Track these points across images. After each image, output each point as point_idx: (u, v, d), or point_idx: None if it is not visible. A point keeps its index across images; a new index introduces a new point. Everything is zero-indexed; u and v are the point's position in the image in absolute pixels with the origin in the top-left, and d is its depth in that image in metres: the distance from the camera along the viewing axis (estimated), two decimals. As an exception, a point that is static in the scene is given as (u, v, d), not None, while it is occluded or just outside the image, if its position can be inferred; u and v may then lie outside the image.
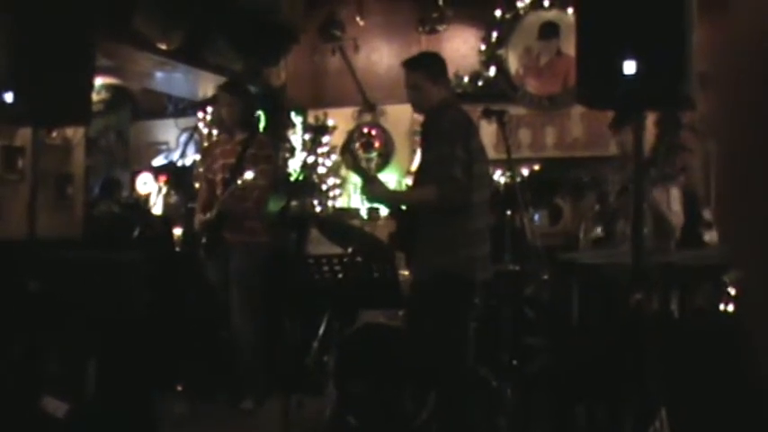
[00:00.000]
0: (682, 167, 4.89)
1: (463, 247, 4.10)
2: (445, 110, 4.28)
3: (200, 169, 5.99)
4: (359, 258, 4.05)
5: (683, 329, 3.98)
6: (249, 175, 5.31)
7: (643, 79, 3.21)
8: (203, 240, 5.67)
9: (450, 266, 4.10)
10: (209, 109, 7.75)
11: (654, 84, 3.26)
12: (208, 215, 5.61)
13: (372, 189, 4.42)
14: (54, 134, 5.77)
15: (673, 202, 4.73)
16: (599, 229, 5.05)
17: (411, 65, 4.42)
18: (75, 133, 5.93)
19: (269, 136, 6.59)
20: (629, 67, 3.18)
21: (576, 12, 4.08)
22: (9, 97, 4.47)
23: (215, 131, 7.51)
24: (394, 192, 4.36)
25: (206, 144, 7.51)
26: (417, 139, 6.22)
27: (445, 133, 4.10)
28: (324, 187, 8.30)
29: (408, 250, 4.36)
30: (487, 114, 4.81)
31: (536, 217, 7.16)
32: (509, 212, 5.40)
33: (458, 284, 4.12)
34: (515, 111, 7.48)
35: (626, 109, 4.07)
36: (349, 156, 7.91)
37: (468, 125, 4.24)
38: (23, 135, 5.38)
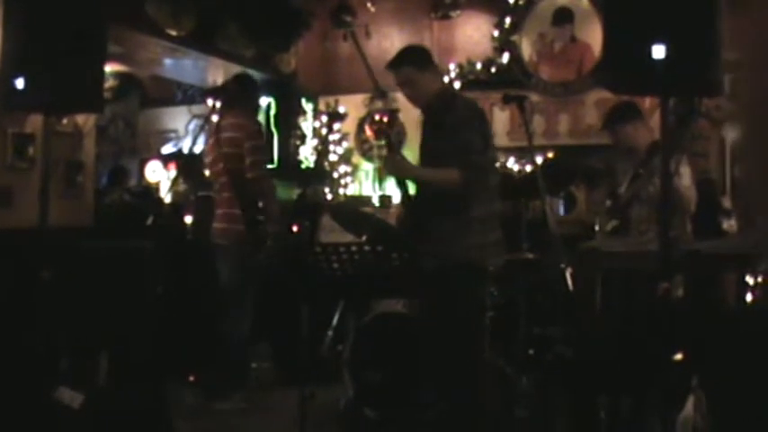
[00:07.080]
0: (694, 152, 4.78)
1: (473, 234, 4.04)
2: (454, 97, 4.30)
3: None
4: (379, 247, 3.97)
5: (710, 319, 3.90)
6: None
7: (672, 64, 3.11)
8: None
9: (460, 254, 4.04)
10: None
11: (683, 69, 3.16)
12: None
13: (395, 162, 4.34)
14: (64, 121, 5.69)
15: (683, 177, 4.63)
16: (614, 221, 4.97)
17: (395, 64, 4.27)
18: (86, 121, 5.84)
19: None
20: (659, 52, 3.08)
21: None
22: (20, 84, 4.40)
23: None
24: (417, 168, 4.28)
25: None
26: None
27: (465, 120, 4.07)
28: (335, 174, 8.25)
29: (415, 240, 4.26)
30: (507, 100, 4.72)
31: (561, 205, 7.14)
32: (525, 200, 5.34)
33: (469, 272, 4.05)
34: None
35: (652, 94, 3.97)
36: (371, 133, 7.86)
37: (481, 113, 4.28)
38: (34, 122, 5.31)
